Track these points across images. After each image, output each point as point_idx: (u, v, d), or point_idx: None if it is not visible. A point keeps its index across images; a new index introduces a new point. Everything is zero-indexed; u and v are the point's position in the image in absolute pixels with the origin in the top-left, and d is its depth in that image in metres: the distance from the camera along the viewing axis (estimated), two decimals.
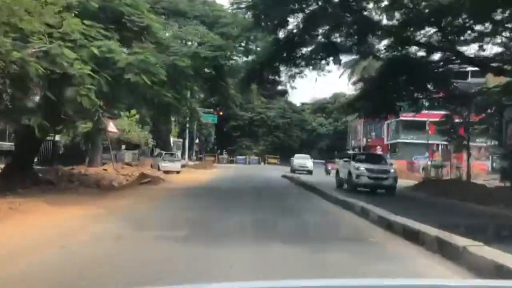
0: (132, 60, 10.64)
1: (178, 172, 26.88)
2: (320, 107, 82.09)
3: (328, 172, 33.22)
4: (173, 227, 6.82)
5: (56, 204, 9.25)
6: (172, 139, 50.42)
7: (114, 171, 21.30)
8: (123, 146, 32.58)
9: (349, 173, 17.53)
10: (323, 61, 19.70)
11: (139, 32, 12.22)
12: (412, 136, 53.40)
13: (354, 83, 70.16)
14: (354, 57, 57.90)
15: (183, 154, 55.29)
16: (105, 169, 20.64)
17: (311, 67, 19.46)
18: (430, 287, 1.74)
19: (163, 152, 28.29)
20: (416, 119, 52.77)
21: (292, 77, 17.61)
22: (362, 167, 17.28)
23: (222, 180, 21.88)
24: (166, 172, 25.83)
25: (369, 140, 58.98)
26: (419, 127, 54.03)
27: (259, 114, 59.88)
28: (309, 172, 33.22)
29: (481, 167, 36.73)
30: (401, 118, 53.18)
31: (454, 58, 19.43)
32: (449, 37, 16.70)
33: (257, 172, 32.67)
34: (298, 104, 68.65)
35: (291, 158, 37.23)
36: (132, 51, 11.13)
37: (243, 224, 7.52)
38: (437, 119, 45.53)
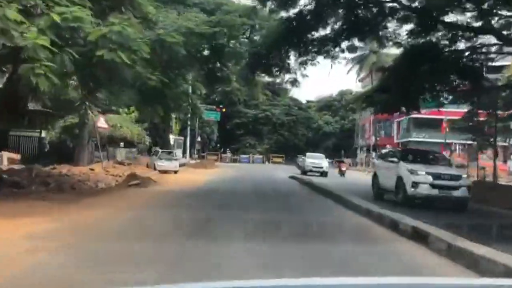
0: (106, 32, 8.36)
1: (175, 172, 24.67)
2: (326, 105, 79.69)
3: (342, 174, 30.09)
4: (140, 265, 4.52)
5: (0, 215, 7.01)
6: (172, 137, 48.27)
7: (103, 170, 19.08)
8: (122, 144, 30.53)
9: (399, 179, 12.55)
10: (337, 48, 17.51)
11: (119, 2, 9.93)
12: (424, 134, 51.02)
13: (361, 80, 67.72)
14: (363, 51, 55.36)
15: (184, 152, 53.13)
16: (92, 169, 18.42)
17: (324, 55, 17.21)
18: (432, 285, 1.58)
19: (160, 150, 26.04)
20: (429, 116, 50.37)
21: (303, 63, 15.29)
22: (422, 170, 12.39)
23: (222, 182, 19.60)
24: (163, 172, 23.64)
25: (378, 138, 56.54)
26: (432, 125, 51.61)
27: (263, 111, 57.52)
28: (324, 174, 28.98)
29: (501, 167, 34.31)
30: (412, 115, 51.03)
31: (480, 46, 17.24)
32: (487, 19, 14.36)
33: (261, 172, 30.39)
34: (303, 102, 66.06)
35: (301, 158, 33.15)
36: (107, 22, 8.83)
37: (245, 265, 5.04)
38: (453, 117, 43.31)
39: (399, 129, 56.25)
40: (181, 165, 33.44)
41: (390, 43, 18.15)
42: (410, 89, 17.84)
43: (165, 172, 23.81)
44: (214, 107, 52.38)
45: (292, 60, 15.23)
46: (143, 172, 19.78)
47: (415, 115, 50.47)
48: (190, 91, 43.60)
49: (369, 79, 61.48)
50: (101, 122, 19.30)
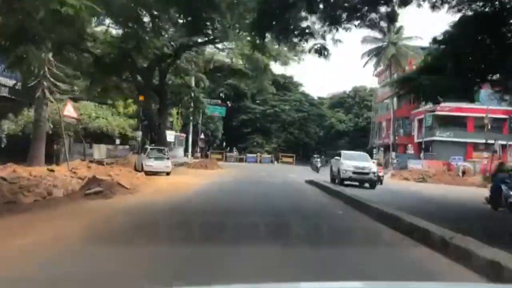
0: None
1: (168, 174, 20.45)
2: (339, 102, 75.02)
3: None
4: None
5: None
6: (172, 134, 44.09)
7: (69, 172, 14.86)
8: (118, 140, 26.59)
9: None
10: (373, 14, 13.17)
11: None
12: (449, 133, 46.34)
13: (378, 74, 62.88)
14: (380, 43, 50.66)
15: (186, 150, 49.01)
16: (52, 170, 14.23)
17: (357, 22, 12.87)
18: None
19: (149, 147, 21.77)
20: (455, 113, 45.87)
21: (334, 23, 10.89)
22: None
23: (220, 189, 15.29)
24: (153, 173, 19.43)
25: (396, 138, 51.79)
26: (458, 123, 47.03)
27: (272, 107, 52.99)
28: (372, 185, 19.56)
29: None
30: (437, 111, 46.41)
31: None
32: None
33: (271, 174, 26.05)
34: (315, 98, 61.46)
35: (334, 158, 22.14)
36: None
37: None
38: (478, 114, 38.64)
39: (420, 127, 51.56)
40: (179, 165, 29.25)
41: (446, 6, 13.67)
42: (469, 71, 13.51)
43: (155, 173, 19.60)
44: (219, 101, 48.13)
45: (317, 23, 10.83)
46: (121, 175, 15.52)
47: (440, 111, 45.99)
48: (193, 83, 39.62)
49: (387, 72, 56.84)
50: (68, 110, 15.08)
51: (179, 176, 19.90)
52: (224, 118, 53.06)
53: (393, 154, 45.18)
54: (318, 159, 38.46)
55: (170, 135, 43.42)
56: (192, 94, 36.82)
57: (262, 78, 30.20)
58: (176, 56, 28.07)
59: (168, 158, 20.92)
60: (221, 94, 51.45)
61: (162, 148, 22.11)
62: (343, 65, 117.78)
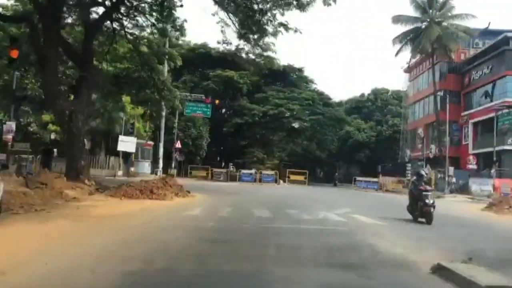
0: None
1: None
2: (356, 107, 61.51)
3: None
4: None
5: None
6: (134, 141, 30.63)
7: None
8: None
9: None
10: None
11: None
12: None
13: (410, 67, 48.06)
14: (419, 23, 37.26)
15: (154, 163, 35.55)
16: None
17: None
18: None
19: None
20: None
21: None
22: None
23: None
24: None
25: (442, 149, 38.09)
26: None
27: (276, 106, 39.37)
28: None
29: None
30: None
31: None
32: None
33: (281, 220, 11.68)
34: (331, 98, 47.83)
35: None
36: None
37: None
38: None
39: (475, 134, 38.14)
40: (104, 188, 15.22)
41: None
42: None
43: None
44: (203, 96, 34.73)
45: None
46: None
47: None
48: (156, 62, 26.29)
49: (427, 63, 43.50)
50: None
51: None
52: (212, 122, 39.68)
53: (450, 170, 31.51)
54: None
55: (127, 143, 29.97)
56: (151, 74, 23.56)
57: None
58: None
59: None
60: (208, 87, 38.08)
61: None
62: (359, 65, 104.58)
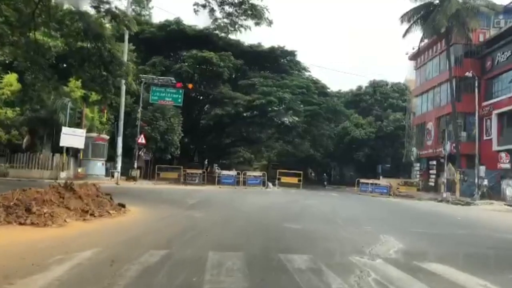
0: None
1: None
2: (353, 101, 55.27)
3: None
4: None
5: None
6: (82, 134, 23.80)
7: None
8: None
9: None
10: None
11: None
12: None
13: (419, 51, 41.37)
14: None
15: (108, 162, 28.51)
16: None
17: None
18: None
19: None
20: None
21: None
22: None
23: None
24: None
25: (456, 145, 31.97)
26: None
27: (264, 95, 32.68)
28: None
29: None
30: None
31: None
32: None
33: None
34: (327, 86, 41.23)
35: None
36: None
37: None
38: None
39: (500, 128, 32.12)
40: None
41: None
42: None
43: None
44: (172, 79, 27.96)
45: None
46: None
47: None
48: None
49: (439, 45, 37.37)
50: None
51: None
52: (188, 114, 32.94)
53: (481, 169, 25.23)
54: None
55: (74, 137, 23.18)
56: (96, 44, 16.77)
57: None
58: None
59: None
60: (181, 69, 31.34)
61: None
62: (355, 57, 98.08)
